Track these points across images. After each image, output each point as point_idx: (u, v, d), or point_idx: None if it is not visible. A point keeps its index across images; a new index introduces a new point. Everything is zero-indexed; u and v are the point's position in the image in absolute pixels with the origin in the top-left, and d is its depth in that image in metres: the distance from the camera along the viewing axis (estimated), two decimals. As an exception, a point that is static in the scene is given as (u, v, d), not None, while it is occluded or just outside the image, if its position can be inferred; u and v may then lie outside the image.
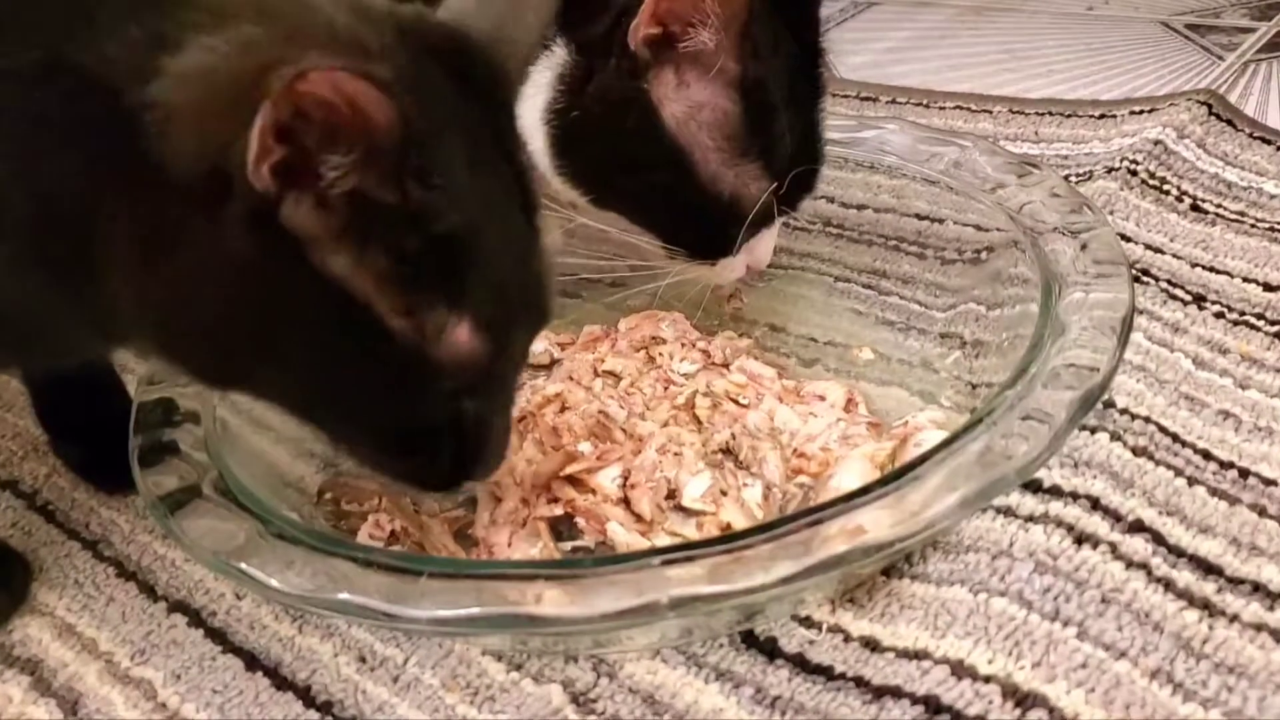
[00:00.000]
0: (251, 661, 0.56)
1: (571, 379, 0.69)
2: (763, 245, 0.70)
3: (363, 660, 0.55)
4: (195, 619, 0.59)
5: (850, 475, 0.57)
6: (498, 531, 0.59)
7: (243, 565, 0.50)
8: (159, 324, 0.45)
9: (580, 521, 0.59)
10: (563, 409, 0.66)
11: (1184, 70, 1.07)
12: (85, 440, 0.69)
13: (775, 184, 0.66)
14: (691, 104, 0.64)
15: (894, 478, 0.49)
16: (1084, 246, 0.62)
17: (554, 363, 0.73)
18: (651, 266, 0.70)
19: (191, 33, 0.41)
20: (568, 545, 0.58)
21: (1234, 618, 0.50)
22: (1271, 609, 0.50)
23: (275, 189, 0.39)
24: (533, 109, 0.65)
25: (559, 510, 0.59)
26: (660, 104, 0.64)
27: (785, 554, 0.46)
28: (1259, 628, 0.49)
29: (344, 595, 0.48)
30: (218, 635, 0.58)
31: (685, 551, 0.47)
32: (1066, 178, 0.81)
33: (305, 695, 0.54)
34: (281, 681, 0.55)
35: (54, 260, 0.45)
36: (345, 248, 0.42)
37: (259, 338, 0.44)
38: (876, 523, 0.47)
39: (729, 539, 0.48)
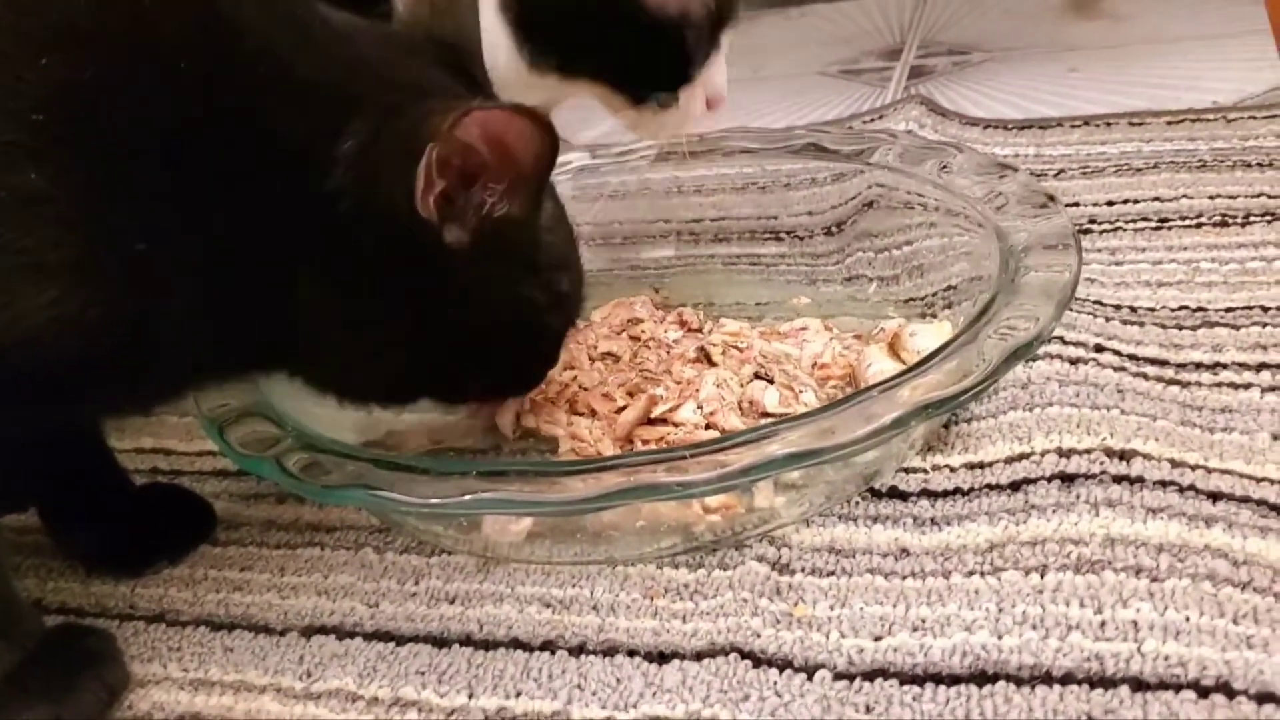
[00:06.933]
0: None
1: (572, 367, 0.74)
2: (716, 72, 0.76)
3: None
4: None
5: (880, 362, 0.68)
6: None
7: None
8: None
9: (675, 454, 0.64)
10: (581, 389, 0.72)
11: (864, 99, 1.30)
12: (97, 523, 0.65)
13: None
14: None
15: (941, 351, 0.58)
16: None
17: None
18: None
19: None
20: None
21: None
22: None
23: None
24: (490, 11, 0.71)
25: (654, 450, 0.65)
26: None
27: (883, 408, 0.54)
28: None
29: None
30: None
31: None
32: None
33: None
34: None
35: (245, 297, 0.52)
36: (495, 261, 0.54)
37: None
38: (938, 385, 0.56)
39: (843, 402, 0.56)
